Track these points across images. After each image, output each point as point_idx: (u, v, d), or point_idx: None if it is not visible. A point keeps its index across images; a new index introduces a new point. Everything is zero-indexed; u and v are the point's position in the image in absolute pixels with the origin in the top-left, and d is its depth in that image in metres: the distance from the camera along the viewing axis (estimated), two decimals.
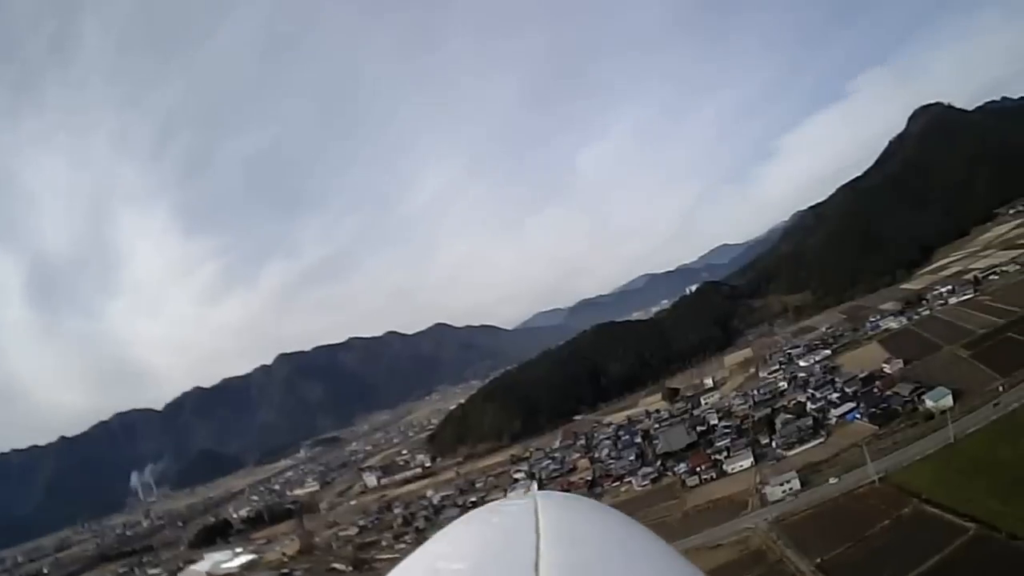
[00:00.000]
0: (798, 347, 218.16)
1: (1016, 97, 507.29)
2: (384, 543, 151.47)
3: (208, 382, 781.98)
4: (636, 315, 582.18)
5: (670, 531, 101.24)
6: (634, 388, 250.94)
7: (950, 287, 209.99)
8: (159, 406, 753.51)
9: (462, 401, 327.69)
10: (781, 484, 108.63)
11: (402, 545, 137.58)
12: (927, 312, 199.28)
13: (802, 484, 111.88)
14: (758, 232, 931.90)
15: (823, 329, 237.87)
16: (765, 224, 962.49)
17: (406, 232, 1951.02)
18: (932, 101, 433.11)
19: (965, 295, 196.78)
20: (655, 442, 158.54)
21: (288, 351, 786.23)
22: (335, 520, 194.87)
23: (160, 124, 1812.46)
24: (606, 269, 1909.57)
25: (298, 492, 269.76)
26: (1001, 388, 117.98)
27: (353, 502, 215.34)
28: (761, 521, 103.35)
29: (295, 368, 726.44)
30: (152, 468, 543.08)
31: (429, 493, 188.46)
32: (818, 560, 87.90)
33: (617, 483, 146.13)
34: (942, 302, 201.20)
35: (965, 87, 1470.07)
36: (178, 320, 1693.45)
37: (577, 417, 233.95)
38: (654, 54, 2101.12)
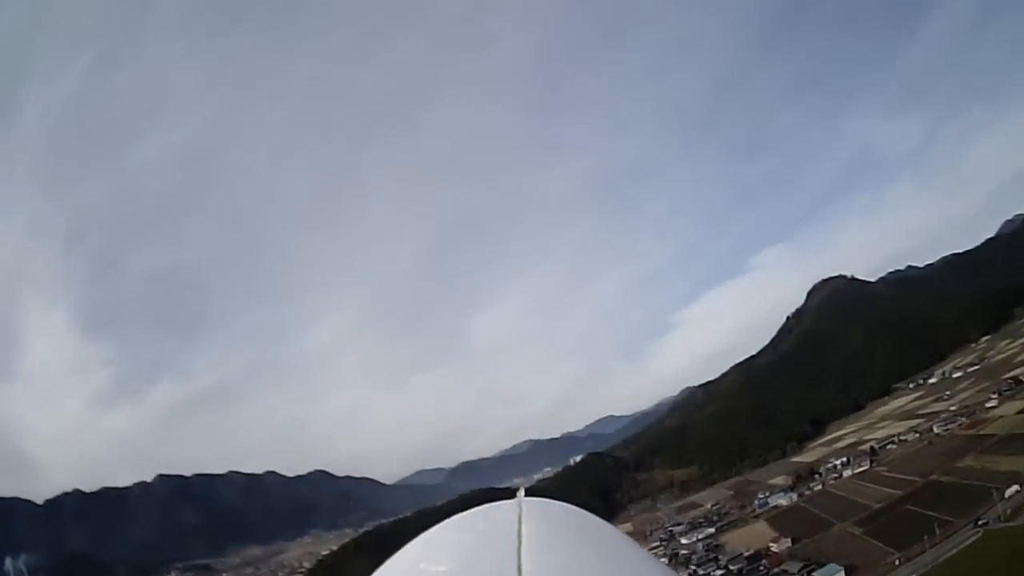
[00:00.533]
0: (681, 524, 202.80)
1: (921, 265, 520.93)
2: None
3: (88, 487, 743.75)
4: (517, 481, 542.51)
5: None
6: None
7: (845, 459, 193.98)
8: (39, 499, 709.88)
9: (335, 547, 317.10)
10: None
11: None
12: (819, 487, 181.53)
13: None
14: (646, 405, 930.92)
15: (708, 506, 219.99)
16: (653, 397, 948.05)
17: (295, 374, 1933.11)
18: (834, 274, 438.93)
19: (861, 467, 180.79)
20: None
21: (168, 472, 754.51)
22: None
23: (77, 219, 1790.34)
24: (490, 432, 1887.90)
25: None
26: (897, 562, 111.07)
27: None
28: None
29: (174, 490, 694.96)
30: (26, 558, 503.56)
31: None
32: None
33: None
34: (836, 475, 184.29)
35: (871, 257, 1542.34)
36: (66, 419, 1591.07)
37: None
38: (559, 226, 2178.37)
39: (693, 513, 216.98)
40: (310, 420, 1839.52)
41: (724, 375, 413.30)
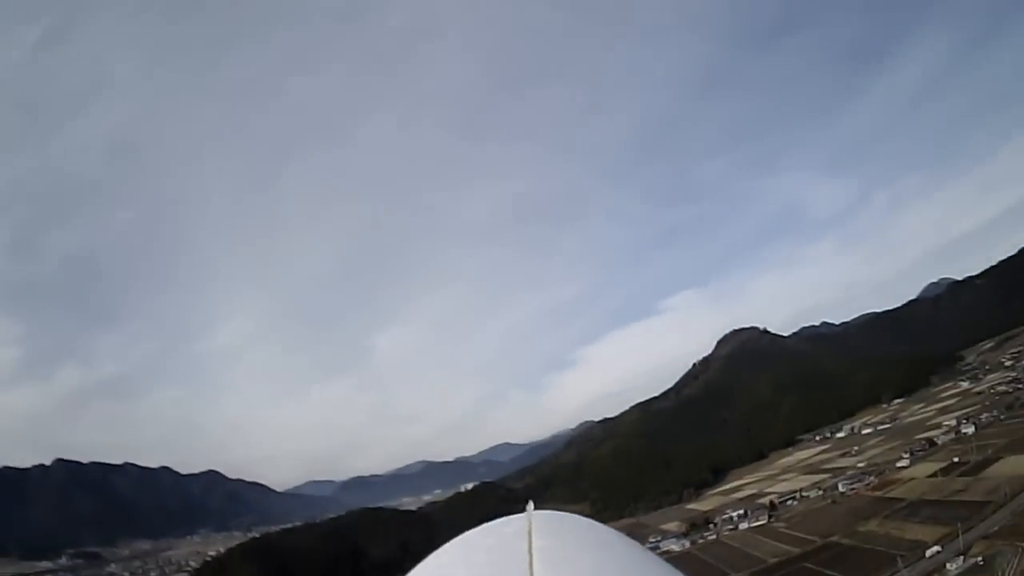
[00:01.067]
0: None
1: (837, 323, 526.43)
2: None
3: None
4: (407, 500, 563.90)
5: None
6: None
7: (742, 511, 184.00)
8: None
9: (222, 550, 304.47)
10: None
11: None
12: (713, 536, 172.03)
13: None
14: (542, 435, 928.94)
15: None
16: (550, 428, 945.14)
17: (197, 371, 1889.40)
18: (746, 325, 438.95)
19: (758, 521, 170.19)
20: None
21: (67, 458, 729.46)
22: None
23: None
24: (383, 449, 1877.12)
25: None
26: None
27: None
28: None
29: (71, 475, 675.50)
30: None
31: None
32: None
33: None
34: (731, 527, 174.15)
35: (785, 311, 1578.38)
36: None
37: None
38: (471, 249, 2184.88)
39: None
40: (206, 419, 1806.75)
41: (624, 414, 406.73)
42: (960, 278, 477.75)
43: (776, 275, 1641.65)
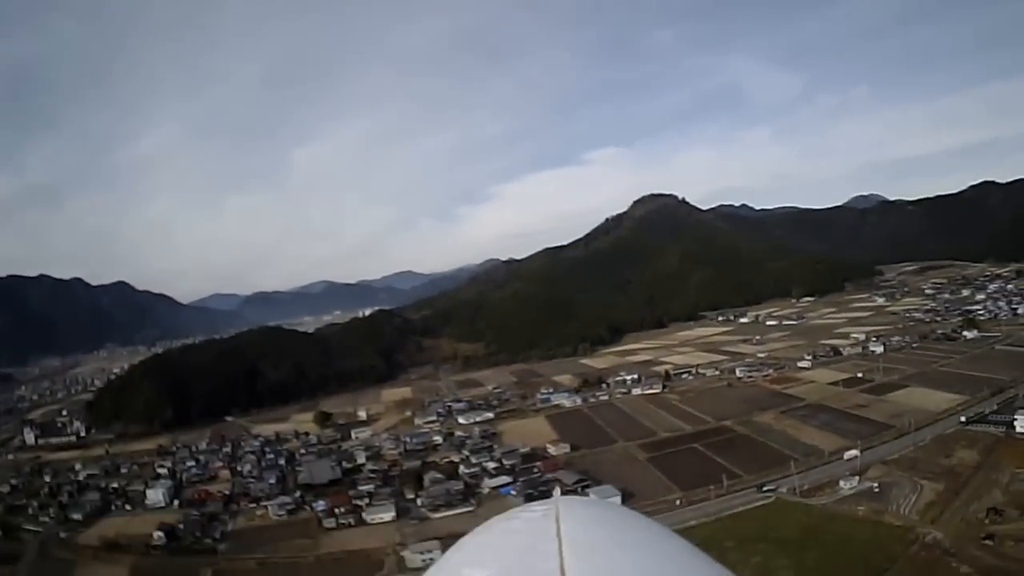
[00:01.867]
0: (460, 402, 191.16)
1: (757, 208, 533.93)
2: (30, 511, 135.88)
3: None
4: (307, 320, 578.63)
5: None
6: (288, 400, 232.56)
7: (635, 375, 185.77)
8: None
9: (125, 367, 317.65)
10: (421, 552, 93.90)
11: (45, 518, 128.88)
12: (605, 397, 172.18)
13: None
14: (446, 268, 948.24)
15: (490, 388, 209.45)
16: (455, 262, 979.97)
17: (118, 177, 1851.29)
18: (664, 191, 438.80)
19: (651, 388, 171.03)
20: (298, 468, 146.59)
21: None
22: None
23: None
24: (288, 267, 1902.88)
25: None
26: (678, 502, 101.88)
27: (10, 457, 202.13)
28: None
29: None
30: None
31: (77, 467, 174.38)
32: None
33: (254, 505, 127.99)
34: (624, 390, 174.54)
35: (706, 187, 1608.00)
36: None
37: (228, 418, 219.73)
38: (402, 75, 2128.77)
39: (474, 392, 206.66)
40: (122, 228, 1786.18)
41: (531, 258, 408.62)
42: (891, 198, 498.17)
43: (704, 151, 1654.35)
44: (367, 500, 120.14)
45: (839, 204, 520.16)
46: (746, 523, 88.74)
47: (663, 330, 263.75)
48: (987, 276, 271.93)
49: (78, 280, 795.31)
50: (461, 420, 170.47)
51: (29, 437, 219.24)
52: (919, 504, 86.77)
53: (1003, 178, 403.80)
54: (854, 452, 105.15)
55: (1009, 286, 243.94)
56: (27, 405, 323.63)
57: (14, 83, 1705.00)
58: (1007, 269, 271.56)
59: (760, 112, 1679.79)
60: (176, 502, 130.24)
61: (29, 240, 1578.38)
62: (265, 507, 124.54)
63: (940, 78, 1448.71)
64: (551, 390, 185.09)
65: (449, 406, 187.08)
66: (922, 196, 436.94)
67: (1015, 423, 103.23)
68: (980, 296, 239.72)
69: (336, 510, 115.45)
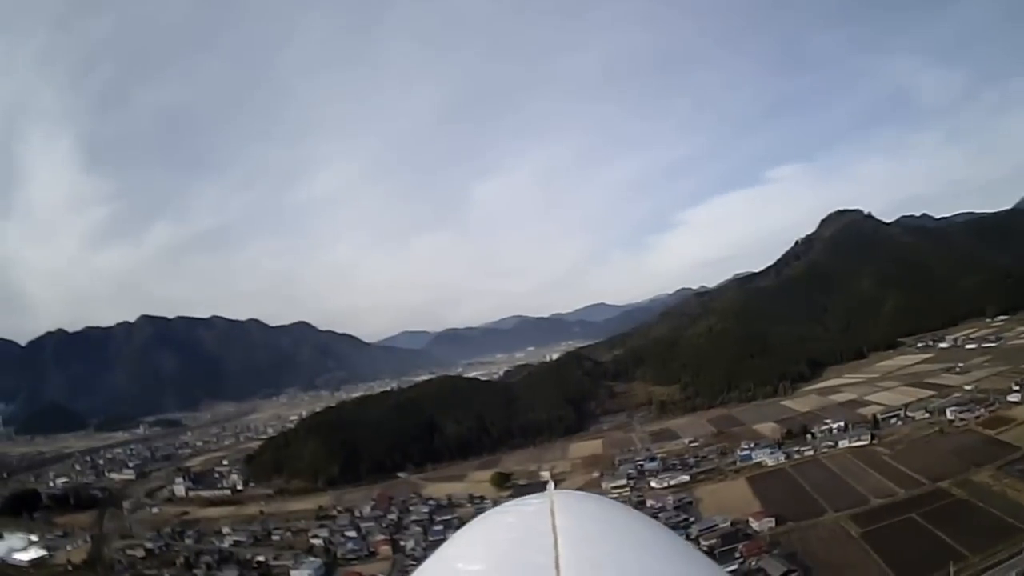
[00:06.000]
0: (654, 461, 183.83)
1: (937, 217, 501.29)
2: None
3: (72, 326, 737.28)
4: (500, 357, 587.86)
5: None
6: (468, 455, 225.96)
7: (842, 424, 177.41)
8: (23, 340, 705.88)
9: (304, 413, 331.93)
10: None
11: None
12: (810, 451, 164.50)
13: None
14: (639, 299, 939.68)
15: (686, 441, 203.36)
16: (648, 292, 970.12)
17: (292, 222, 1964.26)
18: (849, 207, 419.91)
19: (859, 439, 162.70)
20: None
21: (152, 314, 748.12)
22: (130, 528, 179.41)
23: (86, 51, 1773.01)
24: (479, 303, 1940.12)
25: (114, 476, 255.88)
26: None
27: (156, 510, 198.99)
28: None
29: (156, 333, 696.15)
30: (3, 408, 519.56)
31: (225, 530, 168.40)
32: None
33: None
34: (830, 443, 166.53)
35: (887, 198, 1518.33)
36: (61, 255, 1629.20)
37: (400, 475, 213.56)
38: (579, 103, 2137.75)
39: (669, 446, 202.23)
40: (300, 271, 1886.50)
41: (723, 289, 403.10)
42: None
43: (880, 160, 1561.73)
44: None
45: (1018, 207, 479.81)
46: None
47: (863, 361, 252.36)
48: None
49: (254, 321, 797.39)
50: (654, 484, 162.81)
51: (179, 489, 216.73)
52: None
53: None
54: None
55: None
56: (188, 452, 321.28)
57: (185, 130, 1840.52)
58: None
59: (928, 115, 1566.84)
60: None
61: (200, 285, 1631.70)
62: None
63: None
64: (751, 444, 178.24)
65: (641, 465, 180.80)
66: None
67: None
68: None
69: None
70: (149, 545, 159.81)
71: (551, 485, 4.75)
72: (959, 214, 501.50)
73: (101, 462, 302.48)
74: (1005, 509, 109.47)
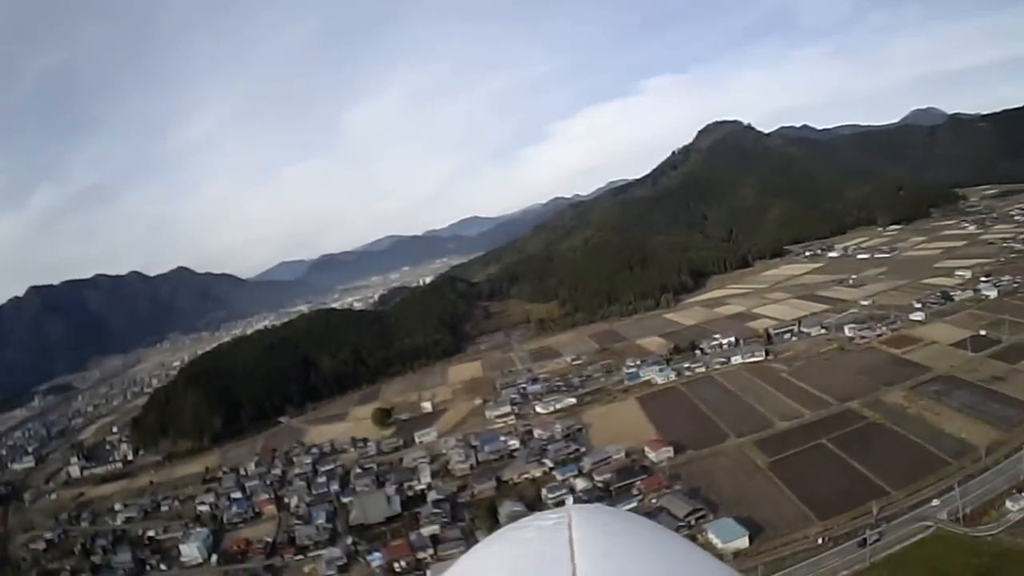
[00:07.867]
0: (537, 383, 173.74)
1: (819, 128, 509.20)
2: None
3: None
4: (374, 280, 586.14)
5: None
6: (346, 389, 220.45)
7: (733, 338, 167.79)
8: None
9: (186, 358, 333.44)
10: None
11: None
12: (702, 368, 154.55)
13: None
14: (512, 209, 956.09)
15: (568, 359, 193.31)
16: (521, 203, 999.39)
17: (168, 166, 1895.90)
18: (728, 118, 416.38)
19: (753, 355, 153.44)
20: (351, 500, 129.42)
21: (40, 284, 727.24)
22: (31, 521, 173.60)
23: None
24: (354, 227, 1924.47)
25: (16, 468, 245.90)
26: (820, 540, 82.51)
27: (54, 496, 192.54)
28: None
29: (44, 303, 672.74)
30: None
31: (117, 507, 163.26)
32: None
33: (300, 557, 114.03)
34: (722, 359, 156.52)
35: (765, 108, 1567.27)
36: None
37: (282, 419, 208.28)
38: (448, 23, 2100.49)
39: (551, 365, 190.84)
40: (177, 215, 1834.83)
41: (598, 199, 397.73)
42: (950, 112, 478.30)
43: (760, 73, 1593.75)
44: (431, 551, 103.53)
45: (900, 120, 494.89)
46: (907, 571, 73.44)
47: (748, 270, 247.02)
48: None
49: (135, 274, 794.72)
50: (539, 409, 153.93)
51: (75, 470, 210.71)
52: None
53: None
54: None
55: None
56: (80, 423, 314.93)
57: (52, 89, 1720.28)
58: None
59: (813, 32, 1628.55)
60: (214, 556, 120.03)
61: (82, 242, 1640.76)
62: (315, 557, 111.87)
63: None
64: (638, 361, 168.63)
65: (523, 389, 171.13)
66: (988, 111, 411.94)
67: None
68: None
69: (395, 565, 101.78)
70: (49, 535, 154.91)
71: (570, 500, 3.66)
72: (843, 126, 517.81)
73: (3, 452, 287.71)
74: (925, 436, 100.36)
